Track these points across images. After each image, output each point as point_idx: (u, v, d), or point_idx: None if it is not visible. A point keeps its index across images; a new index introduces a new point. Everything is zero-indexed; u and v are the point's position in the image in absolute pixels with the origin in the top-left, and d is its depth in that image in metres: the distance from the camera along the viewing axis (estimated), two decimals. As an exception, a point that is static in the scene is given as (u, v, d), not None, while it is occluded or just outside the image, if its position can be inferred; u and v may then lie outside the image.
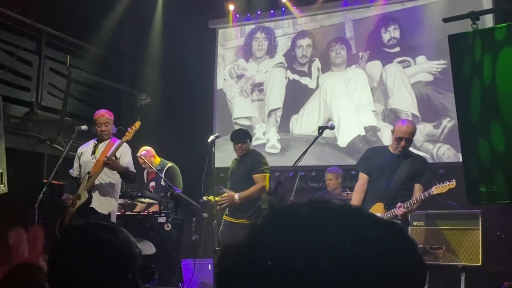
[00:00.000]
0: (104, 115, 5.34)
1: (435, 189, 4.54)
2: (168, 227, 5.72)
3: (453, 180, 4.44)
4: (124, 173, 5.11)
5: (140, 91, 8.43)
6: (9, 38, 6.68)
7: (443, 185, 4.51)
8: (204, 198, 5.80)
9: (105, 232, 1.43)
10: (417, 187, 4.72)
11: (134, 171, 5.33)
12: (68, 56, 7.33)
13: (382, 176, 4.75)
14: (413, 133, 4.76)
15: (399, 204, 4.58)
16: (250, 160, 5.76)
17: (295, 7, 8.23)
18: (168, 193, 5.75)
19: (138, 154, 6.21)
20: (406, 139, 4.66)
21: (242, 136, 5.79)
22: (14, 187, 5.72)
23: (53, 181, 5.55)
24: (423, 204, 4.77)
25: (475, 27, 3.01)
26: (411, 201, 4.59)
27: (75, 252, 1.40)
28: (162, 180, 6.39)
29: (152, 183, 6.75)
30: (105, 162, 4.93)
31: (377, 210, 4.66)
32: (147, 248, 5.20)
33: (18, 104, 6.67)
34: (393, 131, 4.78)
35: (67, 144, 5.79)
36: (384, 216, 4.59)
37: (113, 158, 4.96)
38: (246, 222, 5.49)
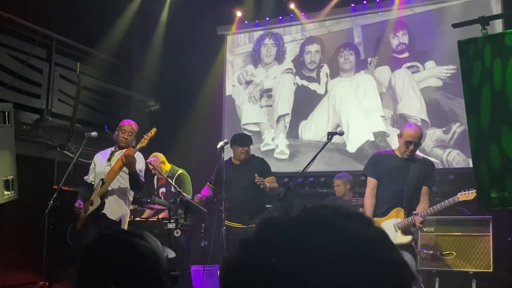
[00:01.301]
0: (131, 124, 5.38)
1: (461, 196, 4.52)
2: (177, 233, 5.73)
3: None
4: (134, 175, 5.09)
5: (149, 97, 8.47)
6: (20, 46, 6.74)
7: (469, 192, 4.48)
8: None
9: (136, 238, 1.43)
10: (424, 190, 4.73)
11: (143, 180, 5.30)
12: (78, 63, 7.38)
13: (392, 180, 4.74)
14: (421, 137, 4.80)
15: (415, 212, 4.58)
16: (258, 163, 5.81)
17: (303, 13, 8.25)
18: (178, 199, 5.76)
19: (147, 161, 6.23)
20: (415, 143, 4.68)
21: (247, 139, 5.85)
22: (25, 194, 5.74)
23: (63, 188, 5.57)
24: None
25: (485, 32, 2.99)
26: (429, 209, 4.57)
27: (110, 260, 1.39)
28: (172, 186, 6.41)
29: (162, 189, 6.78)
30: (124, 158, 4.93)
31: (398, 215, 4.66)
32: (169, 252, 5.21)
33: (29, 111, 6.72)
34: (400, 135, 4.78)
35: (77, 151, 5.82)
36: (404, 223, 4.60)
37: (133, 157, 4.97)
38: (248, 226, 5.52)
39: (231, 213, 5.72)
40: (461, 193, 4.54)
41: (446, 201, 4.57)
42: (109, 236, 1.52)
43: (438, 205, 4.58)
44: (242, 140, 5.80)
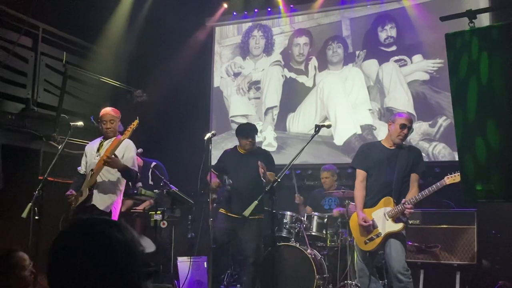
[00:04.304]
0: (109, 113, 5.30)
1: (448, 179, 4.57)
2: (164, 224, 5.72)
3: None
4: (124, 170, 5.06)
5: (137, 88, 8.41)
6: (5, 34, 6.64)
7: (455, 174, 4.53)
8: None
9: (111, 228, 1.38)
10: (414, 177, 4.79)
11: (136, 169, 5.27)
12: (64, 52, 7.30)
13: (381, 170, 4.81)
14: (412, 123, 4.94)
15: (403, 200, 4.61)
16: (263, 156, 5.73)
17: (291, 6, 8.25)
18: (164, 190, 5.75)
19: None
20: (408, 127, 4.81)
21: (251, 130, 5.84)
22: (10, 184, 5.70)
23: (49, 178, 5.52)
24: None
25: (472, 26, 3.00)
26: (417, 195, 4.61)
27: (79, 247, 1.34)
28: (150, 179, 6.38)
29: (139, 184, 6.72)
30: (104, 161, 4.91)
31: (387, 204, 4.71)
32: (148, 246, 5.17)
33: (14, 100, 6.64)
34: (392, 121, 4.87)
35: (63, 141, 5.76)
36: (394, 210, 4.64)
37: (112, 156, 4.92)
38: (249, 218, 5.46)
39: (227, 202, 5.75)
40: (447, 176, 4.58)
41: (434, 185, 4.61)
42: (82, 221, 1.47)
43: (426, 190, 4.62)
44: (245, 132, 5.81)
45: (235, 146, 5.99)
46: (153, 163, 6.64)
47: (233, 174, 5.72)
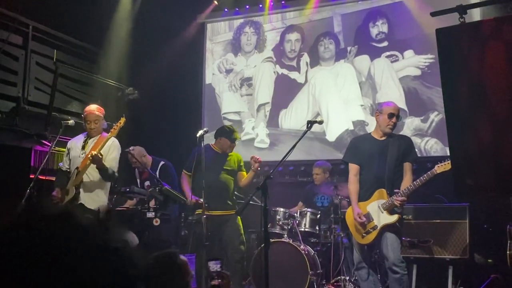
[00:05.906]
0: (93, 112, 5.23)
1: (438, 168, 4.56)
2: (156, 222, 5.70)
3: None
4: (103, 170, 5.01)
5: (128, 85, 8.37)
6: (-5, 32, 6.60)
7: (445, 163, 4.53)
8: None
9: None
10: (407, 166, 4.79)
11: (115, 170, 5.20)
12: (55, 50, 7.25)
13: (373, 161, 4.82)
14: (399, 111, 5.00)
15: (395, 191, 4.62)
16: (237, 158, 6.00)
17: (282, 2, 8.24)
18: (157, 188, 5.73)
19: (127, 149, 6.14)
20: (396, 116, 4.85)
21: (237, 135, 6.05)
22: (1, 183, 5.66)
23: (40, 177, 5.49)
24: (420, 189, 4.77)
25: (463, 21, 3.02)
26: (409, 186, 4.61)
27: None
28: (155, 178, 6.38)
29: (147, 183, 6.72)
30: (92, 156, 4.87)
31: (381, 196, 4.72)
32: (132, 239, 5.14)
33: (5, 99, 6.59)
34: (380, 112, 4.90)
35: (54, 139, 5.72)
36: (388, 203, 4.64)
37: (98, 154, 4.88)
38: (227, 213, 5.72)
39: (208, 202, 5.72)
40: (438, 165, 4.58)
41: (425, 175, 4.61)
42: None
43: (417, 180, 4.63)
44: (233, 135, 5.95)
45: (209, 144, 6.03)
46: (161, 163, 6.64)
47: (209, 172, 5.65)
